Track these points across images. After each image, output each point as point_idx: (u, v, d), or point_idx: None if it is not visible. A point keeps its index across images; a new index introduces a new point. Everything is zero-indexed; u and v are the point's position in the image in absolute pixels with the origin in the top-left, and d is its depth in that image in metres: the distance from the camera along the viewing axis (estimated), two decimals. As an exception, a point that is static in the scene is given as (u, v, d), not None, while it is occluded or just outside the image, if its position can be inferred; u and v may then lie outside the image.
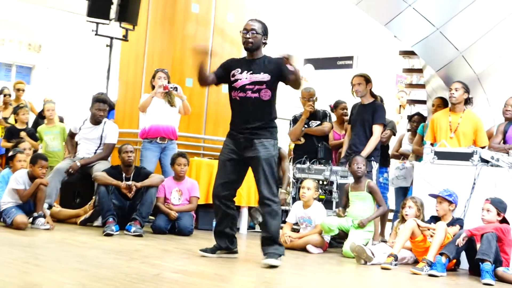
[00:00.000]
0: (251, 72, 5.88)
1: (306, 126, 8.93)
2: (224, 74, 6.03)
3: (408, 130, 9.33)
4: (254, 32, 5.88)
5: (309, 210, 7.28)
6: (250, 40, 5.87)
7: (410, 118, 9.34)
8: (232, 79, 5.94)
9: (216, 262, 5.81)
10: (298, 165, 8.16)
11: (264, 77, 5.86)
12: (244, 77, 5.88)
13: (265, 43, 5.98)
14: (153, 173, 7.90)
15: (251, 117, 5.86)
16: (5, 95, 11.05)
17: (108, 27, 9.89)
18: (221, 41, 9.96)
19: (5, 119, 10.64)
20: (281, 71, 5.85)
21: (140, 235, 7.15)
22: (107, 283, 4.33)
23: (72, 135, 8.56)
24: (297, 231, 7.42)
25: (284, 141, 10.16)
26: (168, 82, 8.34)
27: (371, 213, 7.12)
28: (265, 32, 5.95)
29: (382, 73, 17.06)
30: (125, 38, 9.90)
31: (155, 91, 8.27)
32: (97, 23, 9.76)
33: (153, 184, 7.61)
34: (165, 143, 8.36)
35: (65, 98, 12.63)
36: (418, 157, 8.19)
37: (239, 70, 5.92)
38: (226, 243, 6.09)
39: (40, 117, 10.33)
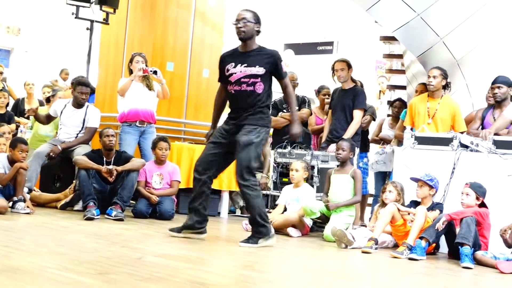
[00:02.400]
0: (246, 65, 5.93)
1: (284, 111, 8.92)
2: (222, 72, 6.08)
3: (389, 116, 9.35)
4: (246, 21, 5.91)
5: (298, 190, 7.34)
6: (242, 29, 5.90)
7: (391, 103, 9.36)
8: (227, 73, 5.99)
9: (198, 245, 5.79)
10: (279, 150, 8.17)
11: (259, 70, 5.92)
12: (238, 71, 5.94)
13: (258, 31, 6.00)
14: (133, 156, 7.85)
15: (245, 108, 5.95)
16: (-16, 79, 10.93)
17: (89, 10, 9.78)
18: (202, 25, 9.90)
19: (-16, 103, 10.50)
20: (276, 69, 5.98)
21: (121, 219, 7.11)
22: (88, 267, 4.29)
23: (49, 117, 8.48)
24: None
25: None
26: (146, 66, 8.29)
27: (350, 197, 7.14)
28: (257, 20, 5.97)
29: (362, 58, 17.08)
30: (105, 21, 9.79)
31: (135, 75, 8.21)
32: (77, 6, 9.64)
33: (134, 168, 7.57)
34: (144, 126, 8.31)
35: (44, 82, 12.46)
36: (400, 142, 8.20)
37: (233, 64, 5.97)
38: (193, 221, 6.09)
39: (47, 101, 10.17)
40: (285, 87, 6.10)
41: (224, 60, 6.09)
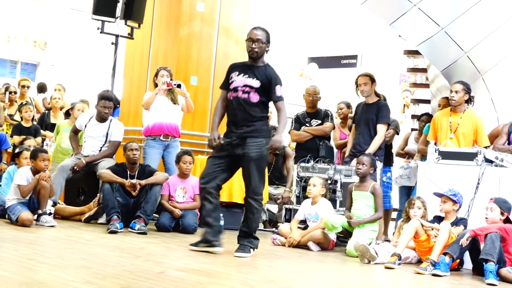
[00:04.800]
0: (247, 76, 6.15)
1: (307, 125, 8.92)
2: (227, 79, 6.32)
3: (415, 130, 9.30)
4: (260, 42, 6.11)
5: (316, 206, 7.30)
6: (256, 49, 6.12)
7: (418, 118, 9.30)
8: (230, 81, 6.22)
9: (221, 260, 5.82)
10: (302, 164, 8.16)
11: (255, 83, 6.13)
12: (239, 79, 6.17)
13: (267, 51, 6.21)
14: (157, 171, 7.90)
15: (241, 116, 6.13)
16: (10, 92, 11.06)
17: (114, 25, 9.88)
18: (226, 39, 9.96)
19: (11, 116, 10.63)
20: (269, 89, 6.13)
21: (144, 233, 7.14)
22: (111, 281, 4.33)
23: (75, 131, 8.52)
24: (305, 228, 7.39)
25: (285, 140, 10.16)
26: (171, 80, 8.35)
27: (372, 213, 7.11)
28: (268, 40, 6.18)
29: (386, 72, 17.04)
30: (130, 36, 9.89)
31: (159, 88, 8.30)
32: (103, 21, 9.74)
33: (158, 181, 7.61)
34: (168, 140, 8.37)
35: (70, 96, 12.60)
36: (424, 156, 8.17)
37: (237, 73, 6.20)
38: (209, 236, 6.16)
39: (67, 114, 10.29)
40: (278, 110, 6.22)
41: (231, 69, 6.31)
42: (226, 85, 6.33)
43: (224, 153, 6.17)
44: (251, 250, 6.13)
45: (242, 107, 6.13)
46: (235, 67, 6.32)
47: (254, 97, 6.12)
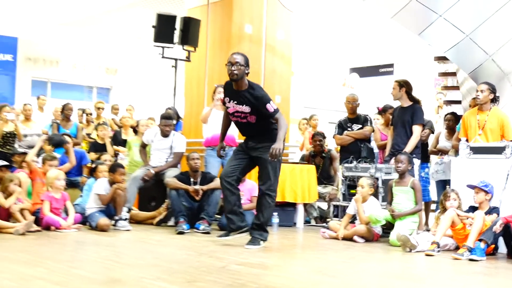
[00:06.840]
0: (236, 102, 6.12)
1: (349, 129, 8.87)
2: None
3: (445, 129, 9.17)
4: (239, 64, 6.02)
5: (365, 204, 7.24)
6: (235, 72, 6.02)
7: (444, 117, 9.19)
8: (226, 105, 6.26)
9: (276, 254, 5.85)
10: (346, 165, 8.12)
11: (245, 109, 6.09)
12: (231, 106, 6.17)
13: (247, 73, 6.13)
14: (217, 177, 7.97)
15: (249, 134, 6.24)
16: (87, 114, 11.32)
17: (173, 50, 10.02)
18: (272, 56, 10.00)
19: (88, 134, 10.87)
20: (261, 109, 6.04)
21: (208, 232, 7.23)
22: (179, 276, 4.40)
23: (143, 145, 8.67)
24: (353, 222, 7.35)
25: (331, 144, 10.13)
26: (225, 96, 8.42)
27: (412, 205, 7.03)
28: (247, 63, 6.11)
29: (421, 77, 16.80)
30: (188, 59, 10.01)
31: (213, 104, 8.44)
32: (163, 47, 9.89)
33: (218, 186, 7.64)
34: (226, 150, 8.41)
35: (138, 114, 12.81)
36: (457, 151, 8.05)
37: (228, 99, 6.20)
38: (236, 223, 6.21)
39: (134, 131, 10.47)
40: (276, 122, 6.07)
41: (225, 91, 6.27)
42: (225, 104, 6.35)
43: (242, 150, 6.24)
44: (261, 242, 6.10)
45: (247, 127, 6.18)
46: (227, 91, 6.23)
47: (252, 119, 6.10)
